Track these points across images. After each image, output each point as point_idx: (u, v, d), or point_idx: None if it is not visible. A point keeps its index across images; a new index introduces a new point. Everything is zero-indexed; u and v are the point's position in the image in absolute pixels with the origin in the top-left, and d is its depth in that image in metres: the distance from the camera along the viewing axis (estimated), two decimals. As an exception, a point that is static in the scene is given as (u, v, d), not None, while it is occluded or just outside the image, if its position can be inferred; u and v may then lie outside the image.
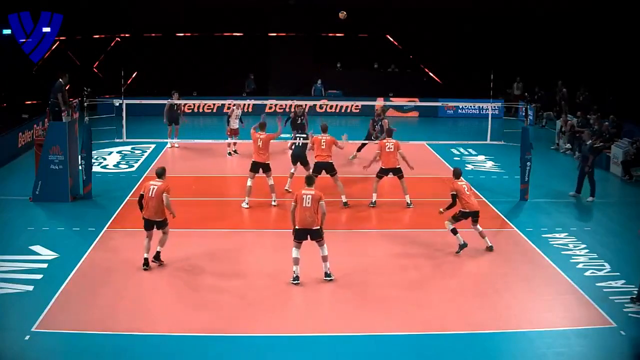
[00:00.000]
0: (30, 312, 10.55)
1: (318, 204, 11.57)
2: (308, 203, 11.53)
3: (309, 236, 11.71)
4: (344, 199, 16.09)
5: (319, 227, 11.66)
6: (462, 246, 13.24)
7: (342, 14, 18.45)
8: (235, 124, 21.12)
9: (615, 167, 20.06)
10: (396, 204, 16.53)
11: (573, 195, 17.28)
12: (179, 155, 21.77)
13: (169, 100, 21.54)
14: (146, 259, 12.27)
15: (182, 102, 22.49)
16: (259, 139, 15.83)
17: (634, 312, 10.91)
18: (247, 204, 15.85)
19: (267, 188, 16.03)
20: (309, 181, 11.82)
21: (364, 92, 29.85)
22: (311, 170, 15.80)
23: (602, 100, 25.63)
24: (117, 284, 11.81)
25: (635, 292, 11.48)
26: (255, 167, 15.85)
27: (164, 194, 12.10)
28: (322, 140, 15.87)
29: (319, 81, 30.70)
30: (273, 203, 15.97)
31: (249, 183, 15.85)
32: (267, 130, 16.05)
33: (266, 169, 15.82)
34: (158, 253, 12.44)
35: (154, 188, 12.14)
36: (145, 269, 12.20)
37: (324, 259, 11.82)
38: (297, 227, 11.70)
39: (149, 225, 12.29)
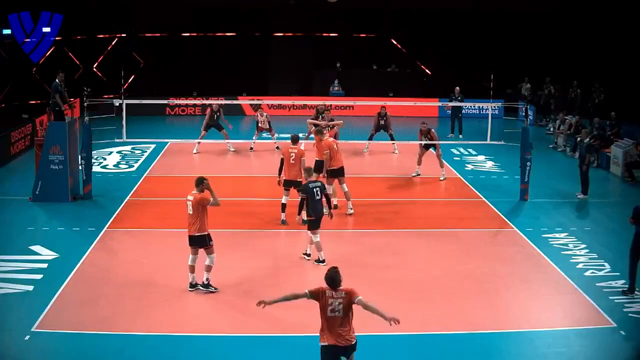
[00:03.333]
0: (30, 312, 10.55)
1: (199, 207, 10.92)
2: (190, 210, 11.05)
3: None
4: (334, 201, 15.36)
5: (202, 234, 11.06)
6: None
7: None
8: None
9: (615, 167, 20.04)
10: (395, 204, 16.53)
11: (581, 197, 17.10)
12: (184, 155, 21.72)
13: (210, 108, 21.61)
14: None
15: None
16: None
17: (634, 312, 10.92)
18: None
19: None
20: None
21: (364, 92, 29.85)
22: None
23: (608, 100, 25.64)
24: (117, 284, 11.81)
25: (636, 292, 11.51)
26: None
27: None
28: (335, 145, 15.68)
29: (336, 81, 30.68)
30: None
31: None
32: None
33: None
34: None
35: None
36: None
37: (207, 268, 11.22)
38: (189, 234, 11.17)
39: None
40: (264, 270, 12.43)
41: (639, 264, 11.52)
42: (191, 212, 11.04)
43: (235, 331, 10.26)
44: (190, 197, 11.09)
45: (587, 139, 17.50)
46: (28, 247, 13.29)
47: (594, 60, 27.96)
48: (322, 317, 7.86)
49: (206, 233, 11.15)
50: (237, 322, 10.57)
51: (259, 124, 21.69)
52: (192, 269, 11.34)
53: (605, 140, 21.17)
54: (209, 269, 11.27)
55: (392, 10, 31.83)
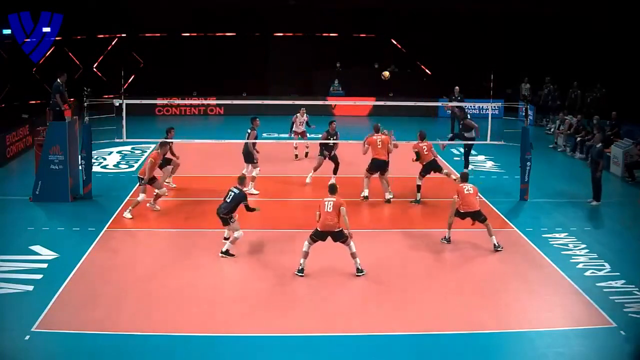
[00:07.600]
0: (30, 312, 10.55)
1: (339, 209, 12.09)
2: (329, 208, 12.09)
3: (329, 238, 12.20)
4: (387, 196, 16.53)
5: (340, 229, 12.13)
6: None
7: (385, 75, 19.07)
8: (300, 128, 20.80)
9: (615, 167, 20.04)
10: (394, 204, 16.53)
11: (594, 204, 16.74)
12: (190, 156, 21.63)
13: None
14: None
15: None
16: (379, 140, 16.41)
17: (634, 312, 10.92)
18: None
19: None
20: (332, 189, 12.39)
21: (364, 92, 29.88)
22: (367, 169, 16.58)
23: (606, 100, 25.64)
24: (117, 284, 11.81)
25: (636, 292, 11.52)
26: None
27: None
28: (378, 140, 16.40)
29: (336, 81, 30.71)
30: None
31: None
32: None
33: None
34: None
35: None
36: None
37: (353, 255, 12.22)
38: (318, 229, 12.17)
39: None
40: (261, 271, 12.42)
41: None
42: (330, 210, 12.06)
43: (236, 331, 10.26)
44: (331, 199, 12.15)
45: (599, 145, 17.23)
46: (28, 247, 13.28)
47: (594, 60, 27.95)
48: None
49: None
50: (237, 323, 10.56)
51: (294, 127, 20.65)
52: (306, 255, 12.17)
53: (607, 142, 21.12)
54: (355, 254, 12.22)
55: (392, 10, 31.81)
